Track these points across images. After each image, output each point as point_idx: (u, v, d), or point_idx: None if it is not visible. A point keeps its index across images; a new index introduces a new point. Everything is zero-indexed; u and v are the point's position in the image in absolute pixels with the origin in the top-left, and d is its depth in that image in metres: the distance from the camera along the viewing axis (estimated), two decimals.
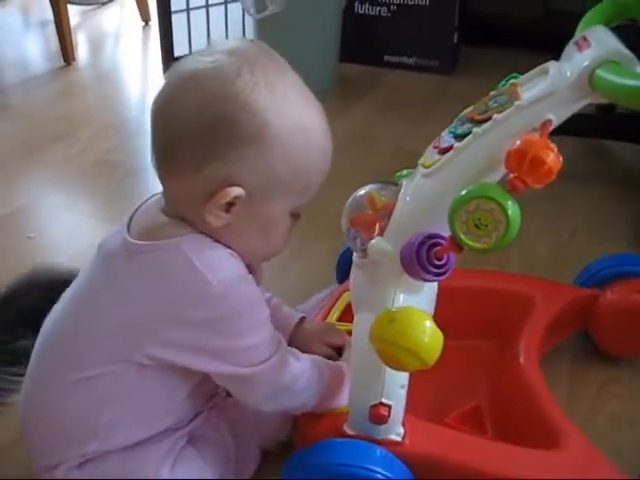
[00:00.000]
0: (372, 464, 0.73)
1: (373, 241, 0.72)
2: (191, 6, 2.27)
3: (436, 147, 0.71)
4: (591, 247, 1.33)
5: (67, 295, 0.81)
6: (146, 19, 2.79)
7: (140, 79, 2.43)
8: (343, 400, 0.82)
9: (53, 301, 0.82)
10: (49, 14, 2.34)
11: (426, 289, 0.74)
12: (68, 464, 0.77)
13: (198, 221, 0.74)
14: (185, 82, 0.72)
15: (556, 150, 0.61)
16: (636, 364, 1.05)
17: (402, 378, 0.74)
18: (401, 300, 0.71)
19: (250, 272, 0.79)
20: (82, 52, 2.56)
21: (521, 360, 0.91)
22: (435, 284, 0.76)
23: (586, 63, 0.62)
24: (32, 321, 0.83)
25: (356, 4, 2.32)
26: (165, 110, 0.73)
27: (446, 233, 0.65)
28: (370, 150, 1.74)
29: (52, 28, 2.36)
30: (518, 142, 0.61)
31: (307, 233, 1.29)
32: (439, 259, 0.66)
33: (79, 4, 2.94)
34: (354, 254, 0.78)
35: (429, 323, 0.65)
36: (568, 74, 0.64)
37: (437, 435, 0.80)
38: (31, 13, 2.99)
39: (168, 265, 0.73)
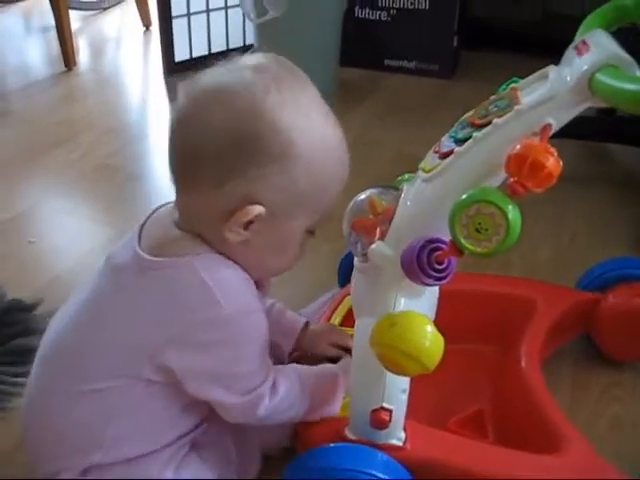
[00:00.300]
0: (373, 469, 0.72)
1: (374, 245, 0.72)
2: (192, 11, 2.28)
3: (436, 151, 0.71)
4: (592, 250, 1.33)
5: (71, 305, 0.81)
6: (147, 24, 2.80)
7: (141, 84, 2.43)
8: (334, 408, 0.81)
9: None
10: (50, 19, 2.34)
11: (427, 293, 0.74)
12: (70, 472, 0.77)
13: (214, 237, 0.73)
14: (211, 97, 0.71)
15: (556, 154, 0.61)
16: (638, 368, 1.05)
17: (403, 382, 0.74)
18: (402, 304, 0.71)
19: (258, 286, 0.79)
20: (83, 57, 2.56)
21: (523, 364, 0.91)
22: (436, 288, 0.76)
23: (585, 67, 0.62)
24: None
25: (356, 8, 2.32)
26: (188, 124, 0.72)
27: (447, 237, 0.65)
28: (371, 154, 1.74)
29: (53, 33, 2.37)
30: (518, 146, 0.62)
31: None
32: (440, 263, 0.66)
33: (80, 9, 2.94)
34: (355, 258, 0.78)
35: (430, 328, 0.65)
36: (568, 78, 0.64)
37: (438, 440, 0.80)
38: (32, 18, 2.99)
39: (180, 284, 0.72)
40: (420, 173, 0.72)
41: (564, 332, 1.02)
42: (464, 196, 0.63)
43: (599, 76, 0.61)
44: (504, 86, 0.72)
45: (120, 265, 0.77)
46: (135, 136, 1.92)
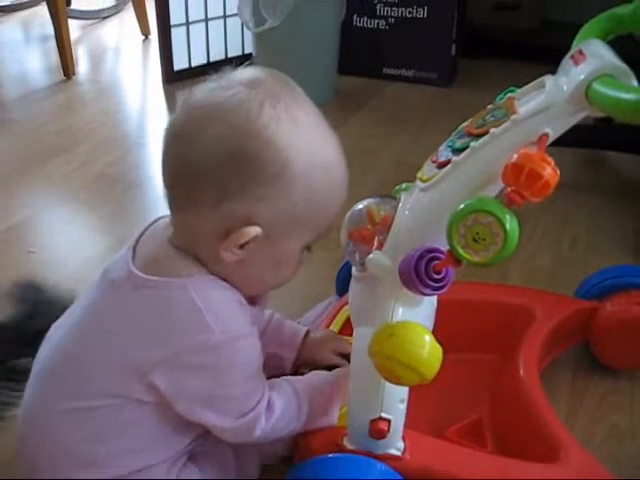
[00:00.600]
0: (372, 479, 0.72)
1: (372, 255, 0.72)
2: (190, 20, 2.29)
3: (434, 161, 0.71)
4: (591, 258, 1.34)
5: (68, 319, 0.80)
6: (146, 33, 2.81)
7: (140, 93, 2.44)
8: (332, 419, 0.81)
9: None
10: (49, 28, 2.35)
11: (425, 303, 0.73)
12: None
13: (210, 255, 0.73)
14: (205, 114, 0.70)
15: (553, 164, 0.61)
16: (636, 376, 1.05)
17: (401, 392, 0.74)
18: (400, 314, 0.71)
19: (254, 300, 0.79)
20: (82, 66, 2.57)
21: (521, 373, 0.91)
22: (434, 298, 0.76)
23: (582, 77, 0.62)
24: (34, 341, 0.83)
25: (354, 17, 2.33)
26: (182, 142, 0.71)
27: (445, 247, 0.65)
28: (369, 163, 1.74)
29: (52, 42, 2.37)
30: (515, 156, 0.62)
31: None
32: (438, 273, 0.66)
33: (79, 19, 2.95)
34: (353, 268, 0.78)
35: (428, 338, 0.65)
36: (564, 88, 0.64)
37: (437, 449, 0.80)
38: (32, 27, 3.00)
39: (172, 305, 0.71)
40: (418, 182, 0.73)
41: (562, 341, 1.02)
42: (461, 206, 0.63)
43: (596, 86, 0.61)
44: (501, 95, 0.72)
45: (115, 281, 0.76)
46: (134, 145, 1.92)
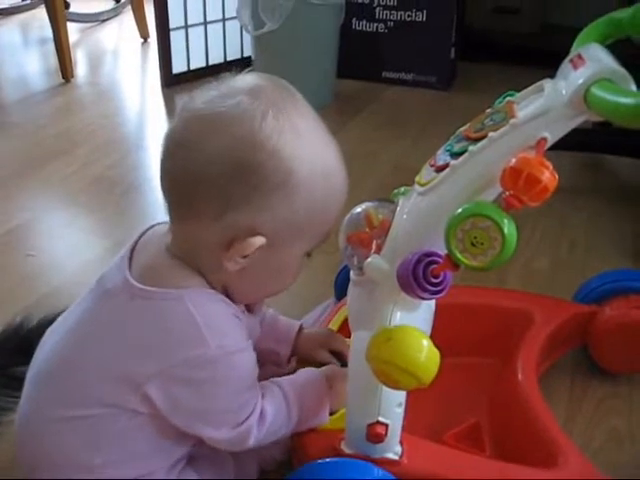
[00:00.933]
0: None
1: (370, 259, 0.72)
2: (189, 23, 2.29)
3: (432, 165, 0.71)
4: (589, 262, 1.34)
5: (62, 325, 0.80)
6: (145, 36, 2.81)
7: (139, 96, 2.44)
8: (322, 418, 0.81)
9: None
10: (48, 31, 2.35)
11: (423, 307, 0.73)
12: None
13: (210, 264, 0.73)
14: (207, 123, 0.69)
15: (551, 168, 0.61)
16: (635, 379, 1.05)
17: (399, 396, 0.73)
18: (398, 318, 0.71)
19: (249, 306, 0.79)
20: (81, 69, 2.57)
21: (520, 377, 0.91)
22: (432, 302, 0.76)
23: (581, 81, 0.62)
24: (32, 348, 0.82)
25: (353, 21, 2.33)
26: (184, 151, 0.70)
27: (443, 251, 0.65)
28: (368, 167, 1.74)
29: (51, 45, 2.37)
30: (514, 160, 0.62)
31: None
32: (436, 277, 0.66)
33: (78, 21, 2.95)
34: (351, 272, 0.78)
35: (425, 342, 0.65)
36: (563, 92, 0.64)
37: (435, 454, 0.80)
38: (30, 30, 3.00)
39: (168, 317, 0.71)
40: (416, 186, 0.72)
41: (561, 345, 1.02)
42: (459, 210, 0.63)
43: (594, 90, 0.61)
44: (500, 99, 0.72)
45: (111, 290, 0.75)
46: (133, 148, 1.92)
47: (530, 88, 0.69)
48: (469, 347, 0.99)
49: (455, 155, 0.68)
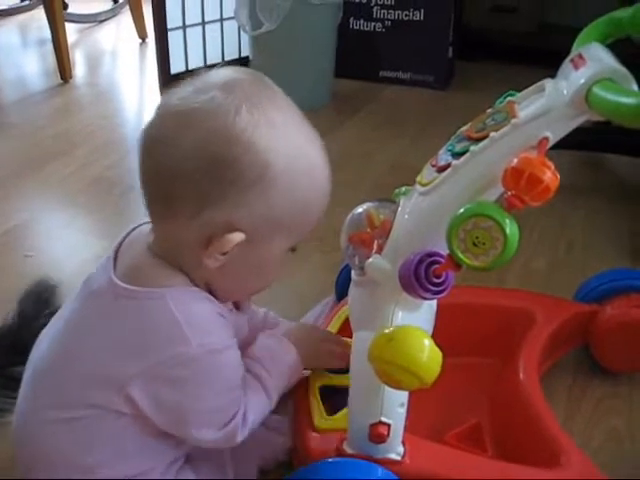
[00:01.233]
0: None
1: (371, 259, 0.72)
2: (187, 23, 2.28)
3: (434, 165, 0.71)
4: (589, 261, 1.34)
5: (52, 327, 0.80)
6: (143, 36, 2.80)
7: (137, 96, 2.43)
8: (296, 376, 0.83)
9: None
10: (47, 32, 2.35)
11: (425, 307, 0.73)
12: None
13: (191, 262, 0.72)
14: (181, 119, 0.68)
15: (553, 168, 0.61)
16: (636, 379, 1.05)
17: (401, 396, 0.73)
18: (400, 318, 0.71)
19: (236, 305, 0.79)
20: (79, 70, 2.56)
21: (521, 377, 0.91)
22: (434, 302, 0.76)
23: (582, 81, 0.62)
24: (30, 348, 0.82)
25: (351, 20, 2.33)
26: (159, 148, 0.70)
27: (444, 251, 0.65)
28: (367, 166, 1.74)
29: (49, 46, 2.37)
30: (515, 160, 0.62)
31: (303, 248, 1.29)
32: (437, 277, 0.66)
33: (76, 22, 2.95)
34: (353, 272, 0.78)
35: (428, 342, 0.65)
36: (564, 92, 0.64)
37: (437, 454, 0.80)
38: (29, 31, 3.00)
39: (150, 316, 0.71)
40: (417, 186, 0.72)
41: (562, 344, 1.02)
42: (461, 210, 0.63)
43: (596, 89, 0.61)
44: (501, 99, 0.72)
45: (96, 291, 0.75)
46: (132, 148, 1.91)
47: (531, 88, 0.69)
48: (471, 347, 0.99)
49: (456, 155, 0.69)
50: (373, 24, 2.33)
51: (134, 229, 0.80)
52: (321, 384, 0.88)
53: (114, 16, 3.13)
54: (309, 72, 2.03)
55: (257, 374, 0.80)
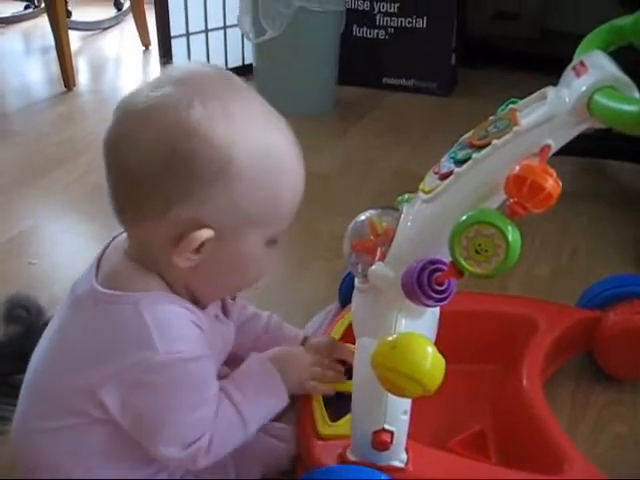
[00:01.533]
0: None
1: (374, 267, 0.72)
2: (191, 31, 2.29)
3: (436, 172, 0.71)
4: (592, 268, 1.34)
5: (45, 335, 0.79)
6: (146, 44, 2.82)
7: None
8: (281, 404, 0.81)
9: None
10: (50, 40, 2.36)
11: (428, 314, 0.73)
12: None
13: (165, 264, 0.71)
14: (136, 119, 0.67)
15: (555, 175, 0.61)
16: (639, 386, 1.05)
17: (404, 404, 0.73)
18: (403, 325, 0.71)
19: (224, 310, 0.79)
20: (83, 77, 2.57)
21: (524, 383, 0.90)
22: (437, 309, 0.76)
23: (584, 88, 0.63)
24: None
25: (354, 27, 2.34)
26: (119, 152, 0.69)
27: (447, 258, 0.65)
28: (370, 173, 1.74)
29: (53, 54, 2.38)
30: (517, 167, 0.62)
31: (306, 255, 1.30)
32: (440, 284, 0.66)
33: (80, 30, 2.96)
34: (356, 279, 0.78)
35: (430, 349, 0.65)
36: (566, 99, 0.64)
37: (440, 461, 0.79)
38: (32, 39, 3.01)
39: (121, 320, 0.70)
40: (420, 194, 0.73)
41: (566, 351, 1.02)
42: (464, 217, 0.63)
43: (597, 97, 0.62)
44: (503, 107, 0.73)
45: (79, 296, 0.75)
46: None
47: (533, 96, 0.70)
48: (474, 354, 0.99)
49: (459, 163, 0.69)
50: (376, 31, 2.34)
51: (117, 236, 0.79)
52: None
53: (117, 24, 3.15)
54: (312, 79, 2.03)
55: (235, 401, 0.77)
